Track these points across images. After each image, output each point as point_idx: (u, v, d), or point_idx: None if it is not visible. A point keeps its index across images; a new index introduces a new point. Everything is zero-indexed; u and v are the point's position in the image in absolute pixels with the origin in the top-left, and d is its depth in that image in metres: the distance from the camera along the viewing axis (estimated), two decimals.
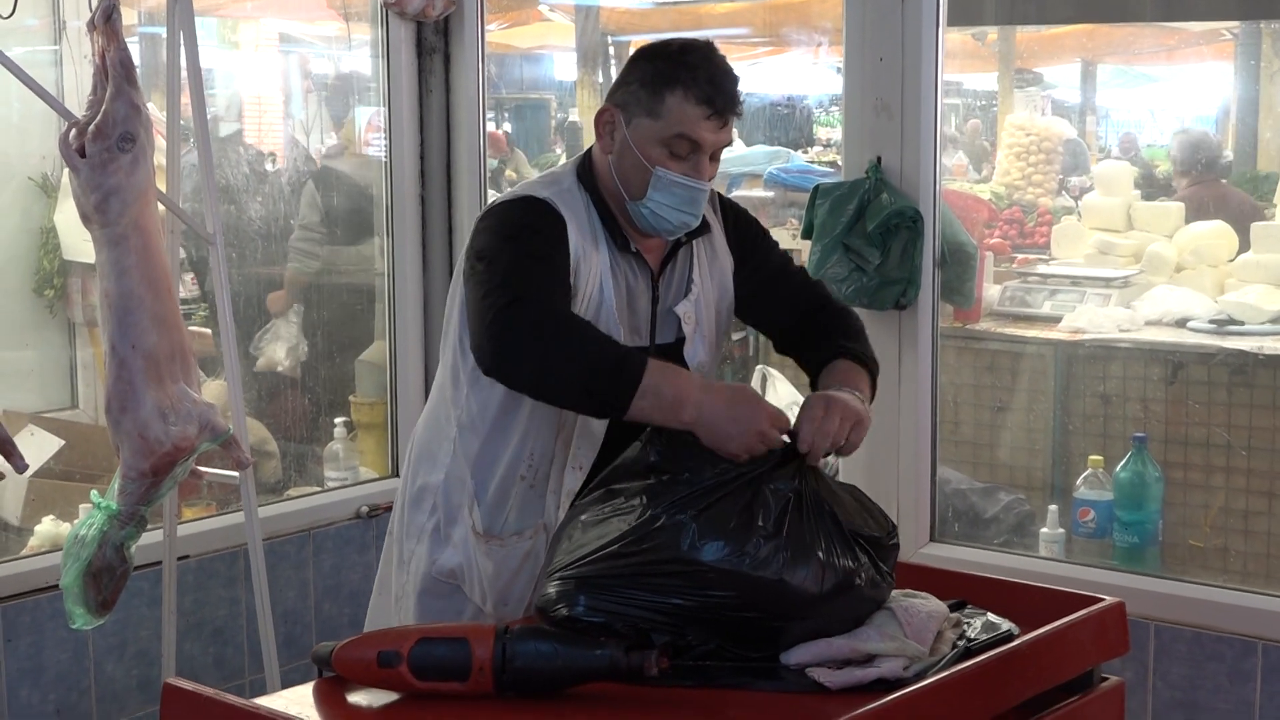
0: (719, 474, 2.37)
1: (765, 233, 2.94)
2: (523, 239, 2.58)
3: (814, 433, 2.47)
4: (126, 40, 3.07)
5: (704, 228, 2.76)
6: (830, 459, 2.61)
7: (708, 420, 2.41)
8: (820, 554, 2.29)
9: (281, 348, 4.82)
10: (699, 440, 2.41)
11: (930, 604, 2.41)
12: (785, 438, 2.46)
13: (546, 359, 2.45)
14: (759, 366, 4.38)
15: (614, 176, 2.68)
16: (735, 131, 2.75)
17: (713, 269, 2.82)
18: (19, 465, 2.85)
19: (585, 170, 2.73)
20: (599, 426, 2.69)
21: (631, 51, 2.82)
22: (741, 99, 2.65)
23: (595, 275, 2.65)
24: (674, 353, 2.75)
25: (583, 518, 2.43)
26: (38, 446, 4.35)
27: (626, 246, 2.70)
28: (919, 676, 2.24)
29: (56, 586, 3.19)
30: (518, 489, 2.74)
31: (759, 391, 4.10)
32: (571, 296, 2.60)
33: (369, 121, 5.07)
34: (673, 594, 2.26)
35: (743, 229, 2.89)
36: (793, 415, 2.51)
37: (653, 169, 2.62)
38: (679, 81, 2.60)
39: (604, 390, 2.44)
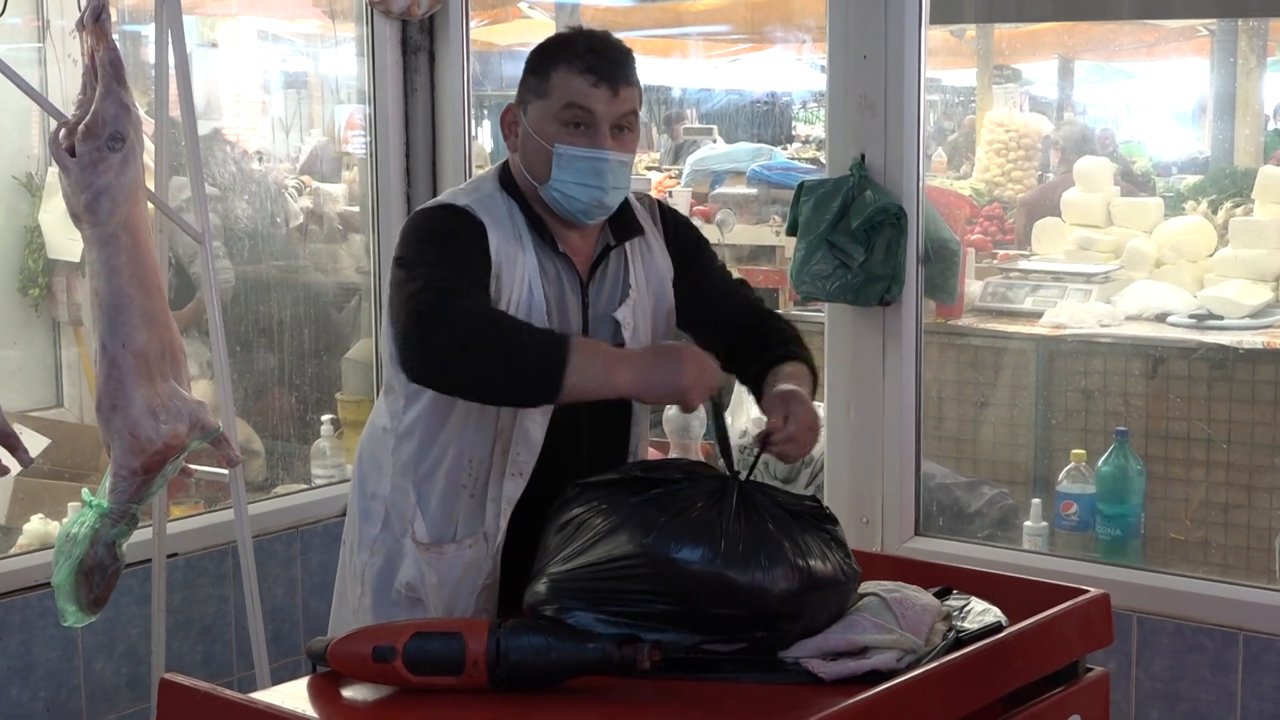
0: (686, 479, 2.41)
1: (705, 243, 2.93)
2: (439, 243, 2.57)
3: (780, 450, 2.56)
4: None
5: (635, 229, 2.75)
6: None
7: (647, 378, 2.44)
8: (789, 553, 2.32)
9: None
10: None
11: (924, 597, 2.43)
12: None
13: (470, 357, 2.42)
14: None
15: (524, 171, 2.67)
16: (641, 104, 2.68)
17: (649, 274, 2.80)
18: (24, 459, 2.86)
19: (506, 176, 2.71)
20: (537, 431, 2.66)
21: None
22: (632, 69, 2.63)
23: (523, 278, 2.63)
24: None
25: (572, 514, 2.45)
26: (25, 445, 4.34)
27: (555, 248, 2.68)
28: (911, 668, 2.26)
29: (46, 585, 3.20)
30: (461, 498, 2.71)
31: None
32: (494, 300, 2.58)
33: (349, 119, 5.07)
34: (651, 597, 2.28)
35: (683, 238, 2.87)
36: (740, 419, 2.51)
37: (553, 147, 2.61)
38: (560, 58, 2.61)
39: (534, 375, 2.42)
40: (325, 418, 4.63)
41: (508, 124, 2.70)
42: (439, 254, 2.55)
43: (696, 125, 8.20)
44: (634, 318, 2.75)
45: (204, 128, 4.91)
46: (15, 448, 2.83)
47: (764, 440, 2.57)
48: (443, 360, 2.44)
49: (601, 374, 2.43)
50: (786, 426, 2.56)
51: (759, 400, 2.73)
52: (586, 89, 2.59)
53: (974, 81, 6.96)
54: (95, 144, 3.00)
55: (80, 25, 3.09)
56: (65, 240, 4.50)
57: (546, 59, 2.63)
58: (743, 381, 2.85)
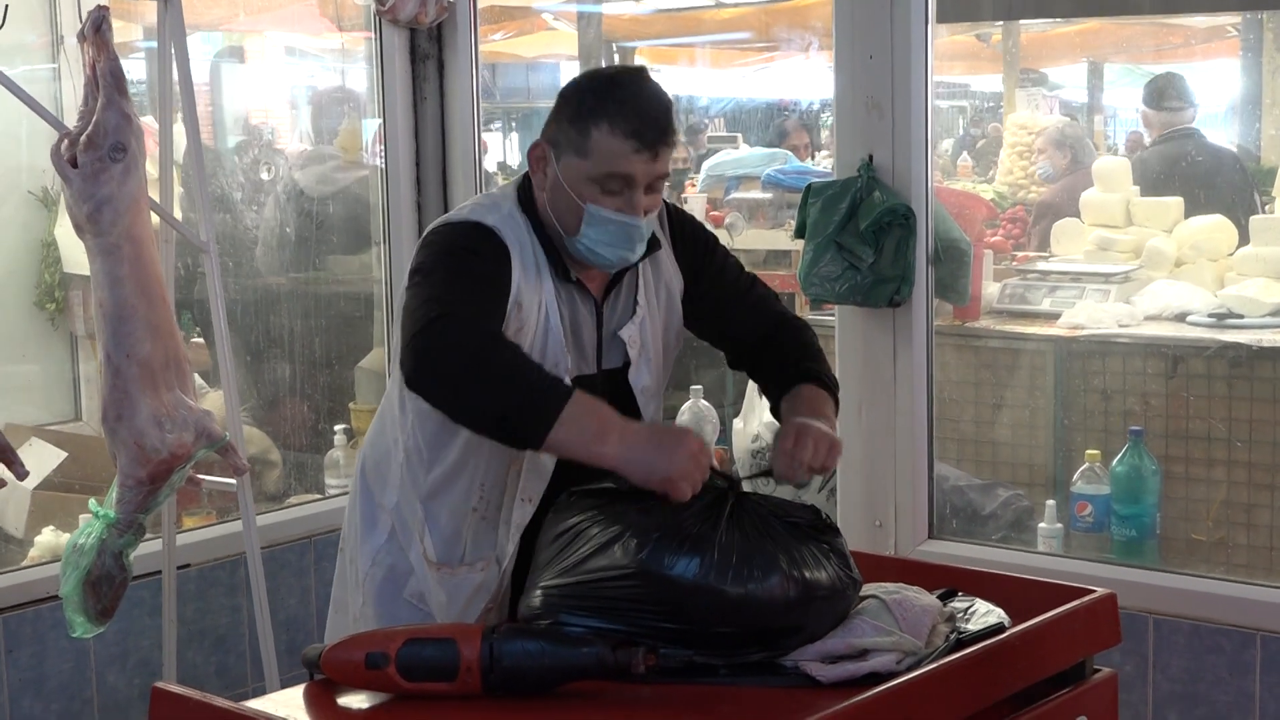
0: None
1: (717, 245, 2.86)
2: (460, 258, 2.51)
3: (788, 465, 2.54)
4: (129, 55, 3.08)
5: (652, 245, 2.68)
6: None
7: (633, 455, 2.34)
8: (784, 564, 2.29)
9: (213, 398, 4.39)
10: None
11: (924, 597, 2.41)
12: (738, 469, 2.47)
13: (465, 379, 2.36)
14: None
15: (549, 212, 2.60)
16: (689, 152, 2.68)
17: (658, 290, 2.75)
18: (19, 472, 2.86)
19: (526, 196, 2.65)
20: (548, 459, 2.61)
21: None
22: (672, 127, 2.55)
23: (540, 305, 2.58)
24: (621, 378, 2.70)
25: (568, 524, 2.43)
26: (40, 459, 4.36)
27: (568, 276, 2.63)
28: (910, 670, 2.24)
29: (57, 597, 3.21)
30: (470, 520, 2.68)
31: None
32: (511, 325, 2.53)
33: (375, 132, 5.08)
34: (646, 612, 2.26)
35: (692, 244, 2.80)
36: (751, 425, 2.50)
37: (585, 206, 2.54)
38: (604, 115, 2.50)
39: (520, 417, 2.35)
40: (339, 427, 4.63)
41: (536, 159, 2.61)
42: (458, 268, 2.50)
43: (721, 133, 8.18)
44: (640, 335, 2.71)
45: (230, 141, 4.94)
46: (11, 461, 2.83)
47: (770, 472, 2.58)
48: (438, 376, 2.39)
49: (589, 437, 2.34)
50: (778, 463, 2.55)
51: (779, 420, 2.72)
52: (628, 154, 2.50)
53: (1001, 87, 6.93)
54: (97, 154, 3.00)
55: (81, 36, 3.10)
56: (81, 254, 4.48)
57: (588, 114, 2.52)
58: (765, 396, 2.83)
